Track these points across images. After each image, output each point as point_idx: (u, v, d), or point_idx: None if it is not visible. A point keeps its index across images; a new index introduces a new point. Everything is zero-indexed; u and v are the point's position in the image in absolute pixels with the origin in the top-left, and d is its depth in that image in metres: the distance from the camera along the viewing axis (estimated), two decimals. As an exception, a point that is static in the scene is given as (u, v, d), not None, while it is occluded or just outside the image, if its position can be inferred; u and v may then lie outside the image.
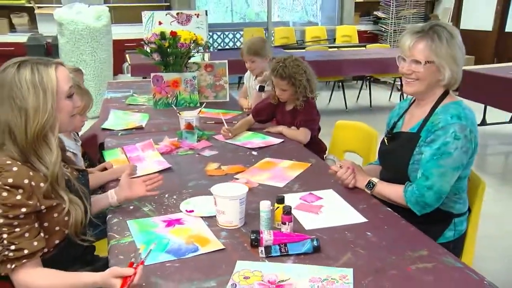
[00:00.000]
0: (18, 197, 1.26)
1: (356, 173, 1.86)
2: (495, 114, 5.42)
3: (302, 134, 2.57)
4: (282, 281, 1.25)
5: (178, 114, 2.67)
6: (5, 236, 1.25)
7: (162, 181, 1.79)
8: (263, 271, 1.29)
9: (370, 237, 1.48)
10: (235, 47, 8.84)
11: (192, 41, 3.29)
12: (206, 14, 5.21)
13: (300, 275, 1.27)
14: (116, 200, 1.70)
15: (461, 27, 8.14)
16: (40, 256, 1.33)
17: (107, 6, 6.35)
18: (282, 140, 2.54)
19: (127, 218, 1.63)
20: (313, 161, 2.20)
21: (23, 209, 1.27)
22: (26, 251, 1.27)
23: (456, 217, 1.78)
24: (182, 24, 5.00)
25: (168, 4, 7.77)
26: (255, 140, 2.56)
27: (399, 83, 7.15)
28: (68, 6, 5.95)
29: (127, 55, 6.17)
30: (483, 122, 5.55)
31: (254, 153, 2.35)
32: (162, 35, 3.20)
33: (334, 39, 8.59)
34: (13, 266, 1.27)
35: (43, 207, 1.33)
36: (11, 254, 1.25)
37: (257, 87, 3.21)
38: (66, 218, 1.39)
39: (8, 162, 1.29)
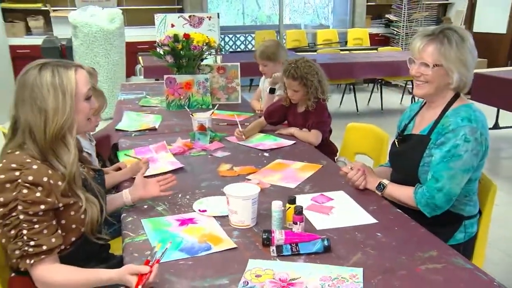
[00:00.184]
0: (38, 194, 1.30)
1: (367, 174, 1.88)
2: (508, 117, 5.39)
3: (314, 136, 2.59)
4: (293, 279, 1.27)
5: (191, 115, 2.71)
6: (25, 232, 1.29)
7: (176, 182, 1.82)
8: (275, 270, 1.32)
9: (380, 238, 1.50)
10: (247, 49, 8.89)
11: (204, 44, 3.32)
12: (218, 17, 5.27)
13: (311, 273, 1.30)
14: (131, 200, 1.74)
15: (474, 30, 8.09)
16: (58, 253, 1.37)
17: (121, 9, 6.44)
18: (294, 142, 2.56)
19: (142, 217, 1.67)
20: (324, 162, 2.23)
21: (42, 206, 1.31)
22: (44, 247, 1.31)
23: (467, 219, 1.78)
24: (194, 27, 5.06)
25: (181, 6, 7.83)
26: (267, 141, 2.59)
27: (411, 86, 7.12)
28: (82, 8, 6.04)
29: (139, 57, 6.24)
30: (496, 126, 5.51)
31: (266, 154, 2.37)
32: (176, 38, 3.24)
33: (346, 42, 8.58)
34: (32, 261, 1.30)
35: (60, 204, 1.37)
36: (30, 249, 1.29)
37: (268, 89, 3.24)
38: (82, 216, 1.43)
39: (28, 160, 1.33)
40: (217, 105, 3.14)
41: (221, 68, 3.53)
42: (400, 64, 5.84)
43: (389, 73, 6.37)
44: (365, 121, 2.72)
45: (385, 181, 1.84)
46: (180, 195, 1.84)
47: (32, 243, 1.29)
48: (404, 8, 8.24)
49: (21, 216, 1.29)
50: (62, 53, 6.33)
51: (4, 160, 1.34)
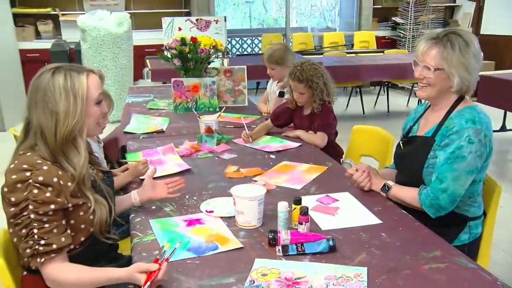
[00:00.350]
0: (48, 194, 1.33)
1: (372, 176, 1.89)
2: (515, 120, 5.38)
3: (319, 138, 2.61)
4: (299, 278, 1.30)
5: (198, 118, 2.74)
6: (35, 231, 1.32)
7: (184, 185, 1.85)
8: (280, 269, 1.34)
9: (385, 238, 1.51)
10: (254, 52, 8.93)
11: (211, 47, 3.36)
12: (225, 20, 5.30)
13: (316, 272, 1.32)
14: (139, 201, 1.77)
15: (482, 32, 8.07)
16: (67, 252, 1.40)
17: (128, 13, 6.49)
18: (300, 144, 2.59)
19: (150, 217, 1.70)
20: (330, 164, 2.24)
21: (52, 206, 1.34)
22: (54, 246, 1.34)
23: (471, 220, 1.80)
24: (202, 30, 5.10)
25: (188, 10, 7.89)
26: (273, 144, 2.61)
27: (417, 88, 7.11)
28: (91, 13, 6.10)
29: (147, 61, 6.29)
30: (503, 128, 5.50)
31: (272, 156, 2.40)
32: (183, 41, 3.28)
33: (352, 45, 8.60)
34: (42, 259, 1.33)
35: (70, 205, 1.40)
36: (41, 248, 1.32)
37: (277, 92, 3.26)
38: (91, 217, 1.46)
39: (39, 161, 1.37)
40: (224, 107, 3.17)
41: (228, 71, 3.57)
42: (406, 66, 5.83)
43: (396, 76, 6.38)
44: (371, 123, 2.74)
45: (390, 183, 1.85)
46: (187, 196, 1.87)
47: (42, 242, 1.33)
48: (411, 11, 8.24)
49: (32, 216, 1.32)
50: (71, 56, 6.40)
51: (16, 161, 1.37)
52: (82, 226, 1.45)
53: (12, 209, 1.33)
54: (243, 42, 9.01)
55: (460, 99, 1.78)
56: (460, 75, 1.70)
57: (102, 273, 1.36)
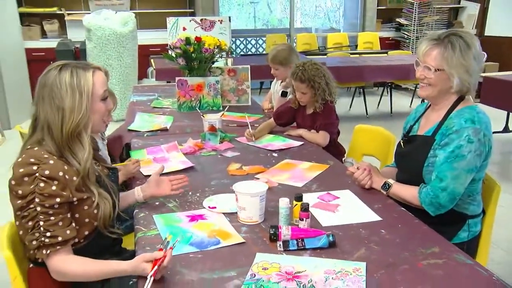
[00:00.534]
0: (53, 187, 1.37)
1: (373, 174, 1.92)
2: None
3: (322, 137, 2.64)
4: (299, 272, 1.32)
5: (202, 116, 2.77)
6: (41, 223, 1.36)
7: (187, 182, 1.88)
8: (281, 263, 1.37)
9: (384, 234, 1.54)
10: (258, 52, 8.96)
11: (216, 47, 3.38)
12: (230, 20, 5.33)
13: (315, 267, 1.34)
14: (142, 197, 1.80)
15: (486, 33, 8.08)
16: (72, 246, 1.43)
17: (133, 13, 6.54)
18: (302, 142, 2.61)
19: (153, 213, 1.73)
20: (332, 163, 2.27)
21: (58, 199, 1.37)
22: (60, 238, 1.37)
23: (470, 218, 1.82)
24: (206, 30, 5.14)
25: (192, 10, 7.93)
26: (276, 142, 2.64)
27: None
28: (96, 12, 6.15)
29: (152, 60, 6.33)
30: (506, 129, 5.51)
31: (275, 154, 2.42)
32: (188, 41, 3.30)
33: (356, 46, 8.62)
34: (48, 251, 1.37)
35: (75, 199, 1.43)
36: (47, 240, 1.36)
37: (280, 92, 3.29)
38: (95, 211, 1.49)
39: (46, 156, 1.40)
40: (227, 106, 3.20)
41: (231, 71, 3.59)
42: (410, 67, 5.84)
43: (399, 77, 6.40)
44: (374, 124, 2.75)
45: (390, 181, 1.88)
46: (190, 193, 1.90)
47: (48, 234, 1.36)
48: (415, 12, 8.25)
49: (38, 208, 1.35)
50: (76, 55, 6.45)
51: (24, 155, 1.40)
52: (87, 220, 1.48)
53: (19, 201, 1.36)
54: (247, 42, 9.05)
55: (460, 99, 1.80)
56: (460, 76, 1.73)
57: (106, 265, 1.39)
